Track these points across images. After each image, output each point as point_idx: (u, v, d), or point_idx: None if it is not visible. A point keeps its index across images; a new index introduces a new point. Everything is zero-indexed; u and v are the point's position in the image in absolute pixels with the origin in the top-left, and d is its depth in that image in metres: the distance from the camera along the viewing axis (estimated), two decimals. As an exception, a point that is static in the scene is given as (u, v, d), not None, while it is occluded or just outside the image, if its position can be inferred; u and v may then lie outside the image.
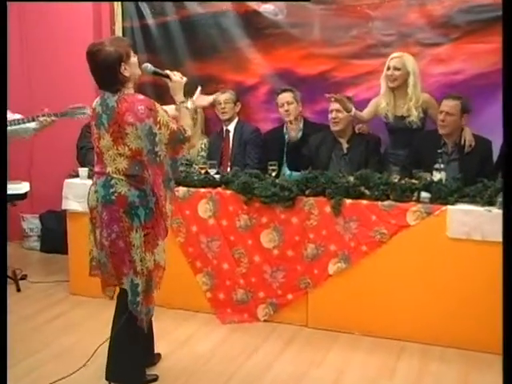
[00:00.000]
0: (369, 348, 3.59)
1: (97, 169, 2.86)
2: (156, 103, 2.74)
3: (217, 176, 4.07)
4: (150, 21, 5.35)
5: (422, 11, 4.59)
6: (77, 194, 4.26)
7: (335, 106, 4.35)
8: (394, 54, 4.33)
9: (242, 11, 5.06)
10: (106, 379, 3.00)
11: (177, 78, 2.93)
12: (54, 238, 5.29)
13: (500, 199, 3.41)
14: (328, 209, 3.72)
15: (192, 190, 4.00)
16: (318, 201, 3.76)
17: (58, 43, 5.38)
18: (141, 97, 2.74)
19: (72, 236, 4.37)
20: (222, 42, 5.15)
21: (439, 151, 3.81)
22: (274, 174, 4.03)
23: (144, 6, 5.35)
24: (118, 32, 5.43)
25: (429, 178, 3.67)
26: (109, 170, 2.77)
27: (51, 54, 5.41)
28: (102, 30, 5.46)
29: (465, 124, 4.09)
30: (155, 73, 2.98)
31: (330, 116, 4.41)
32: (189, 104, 2.95)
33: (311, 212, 3.76)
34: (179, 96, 2.93)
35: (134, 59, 2.81)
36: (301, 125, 4.70)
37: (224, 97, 4.89)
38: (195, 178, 4.05)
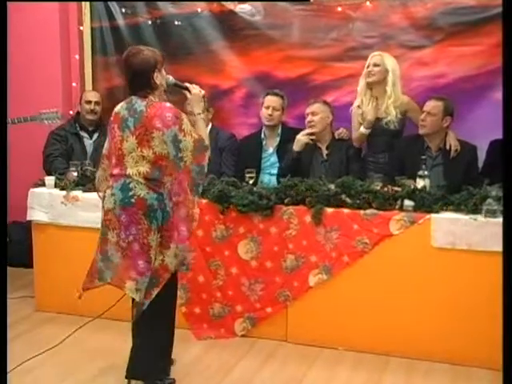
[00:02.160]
0: (352, 363, 3.62)
1: (115, 171, 3.03)
2: (182, 112, 3.01)
3: (192, 184, 4.09)
4: (121, 21, 5.38)
5: (404, 13, 4.69)
6: (43, 203, 4.26)
7: (311, 108, 4.44)
8: (375, 53, 4.43)
9: (218, 11, 5.10)
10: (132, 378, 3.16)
11: (196, 91, 3.24)
12: (19, 251, 5.24)
13: (485, 207, 3.47)
14: (308, 218, 3.76)
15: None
16: (297, 210, 3.79)
17: (22, 44, 5.36)
18: (168, 105, 3.00)
19: (38, 248, 4.35)
20: (196, 44, 5.19)
21: (423, 157, 3.87)
22: (251, 181, 4.05)
23: (114, 6, 5.37)
24: (87, 33, 5.44)
25: (412, 186, 3.71)
26: (129, 171, 2.97)
27: (15, 56, 5.38)
28: (69, 30, 5.46)
29: (447, 126, 4.16)
30: (176, 85, 3.23)
31: (306, 120, 4.48)
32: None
33: (290, 221, 3.79)
34: (197, 108, 3.23)
35: (163, 71, 3.09)
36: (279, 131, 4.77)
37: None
38: (169, 186, 4.06)
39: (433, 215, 3.56)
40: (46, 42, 5.34)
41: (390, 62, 4.35)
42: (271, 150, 4.81)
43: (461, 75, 4.55)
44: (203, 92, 3.27)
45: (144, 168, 2.94)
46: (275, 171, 4.71)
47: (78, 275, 4.11)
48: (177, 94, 3.39)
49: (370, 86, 4.42)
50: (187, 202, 3.09)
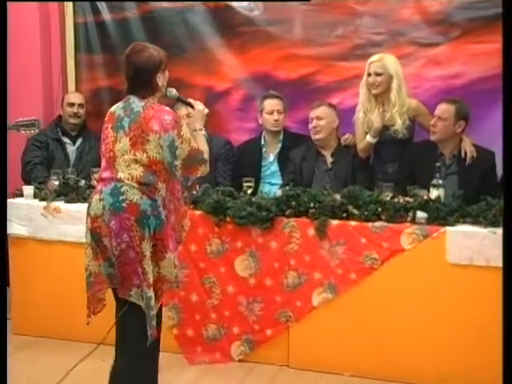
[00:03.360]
0: (359, 390, 3.64)
1: (105, 174, 3.06)
2: (182, 118, 3.14)
3: (184, 194, 4.10)
4: (107, 16, 5.40)
5: (416, 7, 4.71)
6: (21, 215, 4.28)
7: (316, 112, 4.46)
8: (373, 58, 4.40)
9: (213, 6, 5.13)
10: None
11: (199, 108, 3.37)
12: (-6, 268, 5.26)
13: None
14: (311, 231, 3.78)
15: (155, 210, 4.02)
16: (300, 222, 3.81)
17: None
18: (168, 108, 3.10)
19: (15, 265, 4.35)
20: (189, 41, 5.21)
21: (437, 164, 3.89)
22: (249, 191, 4.08)
23: (99, -1, 5.40)
24: (69, 29, 5.45)
25: (425, 196, 3.73)
26: (121, 175, 2.99)
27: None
28: (50, 26, 5.47)
29: (461, 131, 4.18)
30: (179, 99, 3.36)
31: (310, 125, 4.51)
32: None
33: (292, 235, 3.81)
34: (198, 124, 3.34)
35: (166, 73, 3.18)
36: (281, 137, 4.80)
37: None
38: (159, 196, 4.08)
39: (448, 228, 3.58)
40: (25, 38, 5.34)
41: (392, 65, 4.34)
42: (272, 157, 4.84)
43: (478, 75, 4.56)
44: (207, 110, 3.38)
45: (137, 172, 2.97)
46: (276, 180, 4.75)
47: (60, 295, 4.16)
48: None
49: (374, 95, 4.42)
50: (178, 210, 3.15)
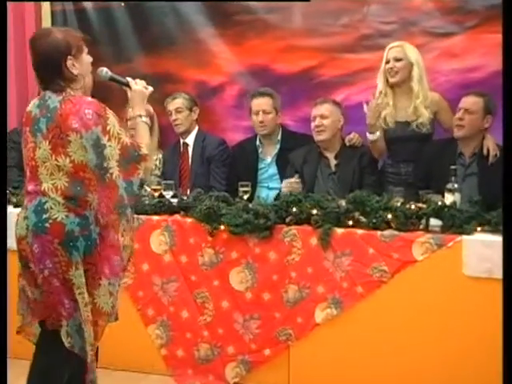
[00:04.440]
0: (367, 416, 3.65)
1: (29, 187, 2.90)
2: (107, 109, 2.86)
3: (174, 200, 4.13)
4: (88, 3, 5.41)
5: (429, -7, 4.74)
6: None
7: (319, 110, 4.48)
8: (393, 44, 4.44)
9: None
10: None
11: (138, 87, 3.10)
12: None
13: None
14: (314, 240, 3.78)
15: (143, 217, 4.03)
16: (301, 230, 3.82)
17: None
18: (89, 99, 2.86)
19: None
20: (179, 32, 5.25)
21: (452, 167, 3.90)
22: (246, 196, 4.08)
23: (80, -16, 5.41)
24: (46, 17, 5.47)
25: (440, 201, 3.72)
26: (44, 186, 2.83)
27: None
28: (24, 14, 5.49)
29: (487, 128, 4.20)
30: (112, 79, 3.14)
31: (312, 124, 4.52)
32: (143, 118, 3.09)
33: (293, 244, 3.82)
34: (138, 108, 3.09)
35: (87, 57, 2.97)
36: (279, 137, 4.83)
37: (175, 104, 4.92)
38: (147, 202, 4.09)
39: (464, 237, 3.58)
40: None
41: (412, 52, 4.38)
42: (269, 159, 4.86)
43: (498, 68, 4.53)
44: (150, 89, 3.13)
45: (61, 182, 2.80)
46: (274, 184, 4.76)
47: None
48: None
49: (392, 84, 4.44)
50: (117, 223, 2.92)
